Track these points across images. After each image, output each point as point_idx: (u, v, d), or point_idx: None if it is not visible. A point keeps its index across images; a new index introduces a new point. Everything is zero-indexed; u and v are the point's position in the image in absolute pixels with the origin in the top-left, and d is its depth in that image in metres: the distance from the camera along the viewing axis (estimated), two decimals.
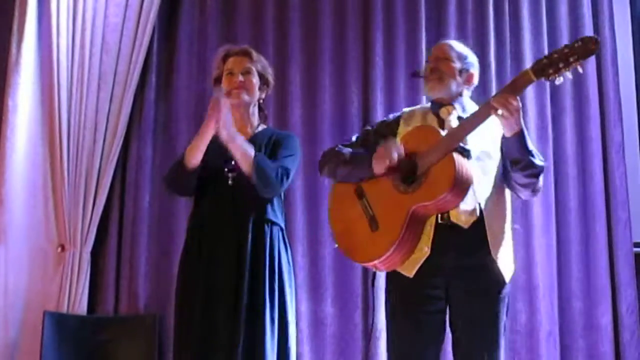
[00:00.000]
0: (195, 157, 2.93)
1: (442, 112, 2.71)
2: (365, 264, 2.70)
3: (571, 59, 2.35)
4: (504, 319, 2.61)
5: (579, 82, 4.22)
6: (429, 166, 2.51)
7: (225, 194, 2.98)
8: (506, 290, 2.62)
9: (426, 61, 2.85)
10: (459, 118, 2.69)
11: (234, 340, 2.84)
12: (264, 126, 3.19)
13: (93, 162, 4.12)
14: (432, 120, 2.72)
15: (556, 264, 4.06)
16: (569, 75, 2.38)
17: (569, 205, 4.13)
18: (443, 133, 2.58)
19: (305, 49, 4.39)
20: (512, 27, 4.33)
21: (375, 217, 2.61)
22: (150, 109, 4.34)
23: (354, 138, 2.90)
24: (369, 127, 2.94)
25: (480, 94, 4.15)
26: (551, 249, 4.06)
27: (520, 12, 4.33)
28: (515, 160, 2.55)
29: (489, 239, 2.56)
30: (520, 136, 2.51)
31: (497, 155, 2.65)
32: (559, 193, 4.14)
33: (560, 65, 2.36)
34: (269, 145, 3.07)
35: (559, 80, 2.40)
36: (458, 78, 2.75)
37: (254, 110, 3.15)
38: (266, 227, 2.98)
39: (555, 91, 4.23)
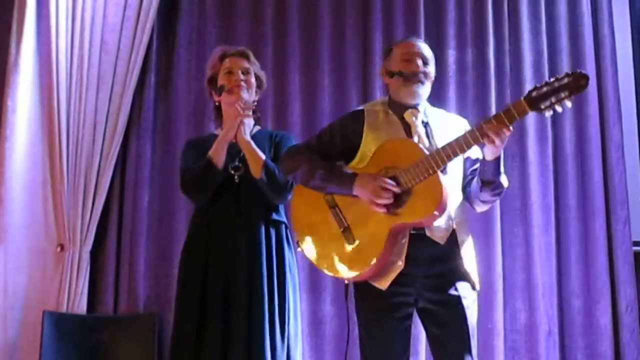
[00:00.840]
0: (221, 160, 3.00)
1: (407, 115, 2.67)
2: (336, 277, 2.67)
3: (562, 95, 2.34)
4: (475, 323, 2.61)
5: None
6: (412, 185, 2.50)
7: (231, 192, 3.01)
8: (475, 296, 2.62)
9: (405, 59, 2.70)
10: (423, 123, 2.67)
11: (234, 341, 2.84)
12: (258, 127, 3.23)
13: (92, 161, 4.13)
14: (397, 124, 2.67)
15: (556, 262, 4.06)
16: (558, 109, 2.36)
17: (568, 204, 4.12)
18: (423, 148, 2.54)
19: (304, 49, 4.39)
20: (511, 25, 4.32)
21: (350, 230, 2.59)
22: (150, 109, 4.34)
23: (316, 138, 2.79)
24: (329, 127, 2.82)
25: (480, 93, 4.21)
26: (550, 248, 4.06)
27: (519, 11, 4.32)
28: (488, 182, 2.56)
29: (460, 250, 2.58)
30: (497, 160, 2.51)
31: (461, 169, 2.65)
32: (558, 192, 4.13)
33: (553, 100, 2.34)
34: (272, 146, 3.11)
35: (548, 114, 2.39)
36: (430, 82, 2.74)
37: (249, 112, 3.16)
38: (271, 227, 3.01)
39: None
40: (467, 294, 2.58)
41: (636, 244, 4.10)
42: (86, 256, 4.06)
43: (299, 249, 2.75)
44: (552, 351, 3.96)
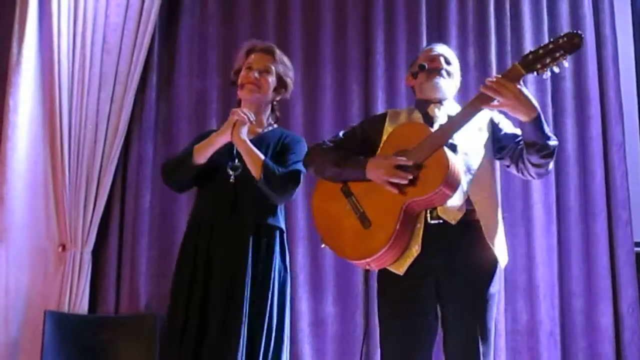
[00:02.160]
0: (204, 156, 2.96)
1: (431, 109, 2.72)
2: (358, 262, 2.68)
3: (557, 54, 2.41)
4: (494, 311, 2.62)
5: (579, 81, 4.22)
6: (421, 161, 2.53)
7: (226, 192, 2.97)
8: (495, 284, 2.62)
9: (429, 59, 2.80)
10: (448, 116, 2.70)
11: (207, 343, 2.81)
12: (274, 126, 3.18)
13: (94, 161, 4.13)
14: (419, 118, 2.73)
15: (557, 263, 4.06)
16: (555, 69, 2.43)
17: (569, 205, 4.13)
18: (430, 128, 2.60)
19: (306, 48, 4.39)
20: (512, 25, 4.33)
21: (365, 214, 2.61)
22: (151, 109, 4.34)
23: (340, 134, 2.88)
24: (354, 125, 2.96)
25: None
26: (552, 249, 4.06)
27: (521, 10, 4.33)
28: (531, 143, 2.55)
29: (482, 228, 2.57)
30: (537, 121, 2.50)
31: (483, 151, 2.67)
32: (559, 192, 4.13)
33: (547, 60, 2.41)
34: (277, 146, 3.06)
35: (546, 75, 2.45)
36: (453, 81, 2.83)
37: (266, 110, 3.14)
38: (264, 231, 2.96)
39: (556, 90, 4.24)
40: (485, 285, 2.58)
41: (638, 244, 4.10)
42: (88, 256, 4.06)
43: (323, 245, 2.76)
44: (553, 352, 3.96)
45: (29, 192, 4.04)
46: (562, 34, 2.43)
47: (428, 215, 2.56)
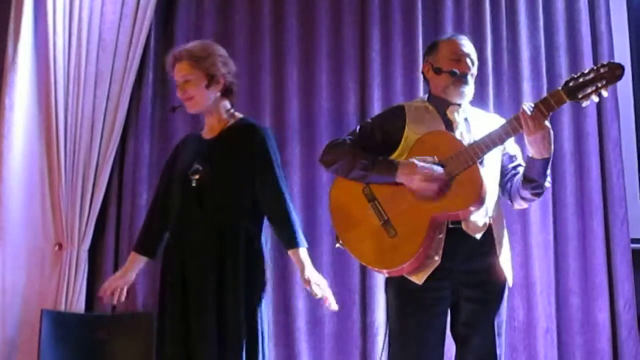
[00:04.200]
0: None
1: (450, 111, 2.71)
2: (377, 270, 2.69)
3: (599, 84, 2.41)
4: (505, 319, 2.67)
5: None
6: (452, 175, 2.53)
7: (190, 195, 2.93)
8: (506, 293, 2.67)
9: (455, 59, 2.74)
10: (465, 120, 2.71)
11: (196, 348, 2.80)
12: (237, 116, 3.09)
13: (90, 160, 4.12)
14: (439, 120, 2.71)
15: (553, 260, 4.07)
16: (595, 99, 2.44)
17: (566, 202, 4.13)
18: (464, 142, 2.59)
19: (302, 46, 4.38)
20: (508, 22, 4.32)
21: (390, 222, 2.59)
22: (148, 107, 4.33)
23: (357, 132, 2.84)
24: (370, 122, 2.88)
25: (478, 90, 4.18)
26: (548, 246, 4.07)
27: (517, 8, 4.32)
28: (530, 179, 2.59)
29: (495, 244, 2.60)
30: (546, 162, 2.54)
31: (498, 166, 2.69)
32: (556, 189, 4.13)
33: (590, 90, 2.42)
34: (240, 148, 2.95)
35: (585, 103, 2.45)
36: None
37: (219, 106, 3.06)
38: (228, 230, 2.88)
39: (552, 87, 4.19)
40: (499, 293, 2.62)
41: (634, 241, 4.11)
42: (84, 255, 4.05)
43: (337, 245, 2.74)
44: (550, 348, 3.97)
45: (25, 191, 4.03)
46: (603, 63, 2.44)
47: (449, 223, 2.57)
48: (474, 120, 2.75)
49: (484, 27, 4.27)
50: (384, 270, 2.62)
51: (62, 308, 3.95)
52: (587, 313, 4.02)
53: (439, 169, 2.54)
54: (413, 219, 2.54)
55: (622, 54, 4.34)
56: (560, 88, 2.46)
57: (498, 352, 2.59)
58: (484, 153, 2.53)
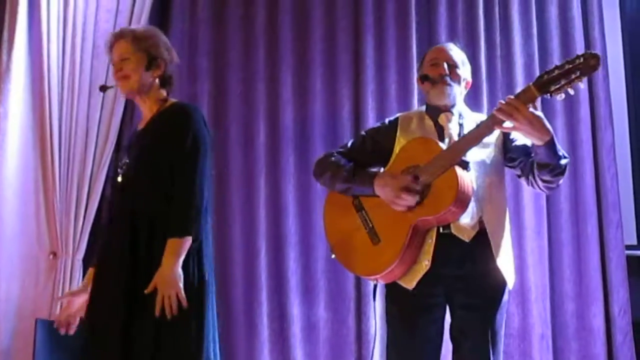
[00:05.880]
0: None
1: (441, 118, 2.71)
2: (366, 277, 2.70)
3: (573, 76, 2.35)
4: (503, 324, 2.63)
5: None
6: (431, 180, 2.52)
7: (118, 192, 2.79)
8: (506, 297, 2.63)
9: (433, 64, 2.76)
10: (459, 125, 2.71)
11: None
12: (165, 106, 2.81)
13: (84, 168, 4.11)
14: (430, 127, 2.72)
15: (548, 266, 4.07)
16: (570, 91, 2.38)
17: (560, 208, 4.14)
18: (443, 145, 2.59)
19: (296, 52, 4.39)
20: (502, 29, 4.33)
21: (375, 230, 2.62)
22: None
23: (349, 144, 2.88)
24: (364, 133, 2.93)
25: (472, 97, 4.20)
26: (543, 251, 4.07)
27: (510, 14, 4.33)
28: (544, 165, 2.54)
29: (492, 246, 2.56)
30: (550, 144, 2.48)
31: (493, 165, 2.67)
32: (550, 195, 4.13)
33: (562, 82, 2.36)
34: (163, 135, 2.70)
35: (560, 97, 2.39)
36: (461, 85, 2.78)
37: (155, 93, 2.82)
38: (139, 217, 2.62)
39: None
40: (495, 299, 2.59)
41: (628, 247, 4.12)
42: (79, 264, 4.03)
43: (332, 256, 2.76)
44: (545, 354, 3.97)
45: (19, 199, 4.01)
46: (578, 55, 2.38)
47: (440, 228, 2.55)
48: (471, 126, 2.72)
49: (478, 34, 4.28)
50: (373, 277, 2.63)
51: None
52: (582, 319, 4.02)
53: (408, 178, 2.55)
54: (395, 225, 2.55)
55: (615, 61, 4.36)
56: (532, 83, 2.43)
57: (492, 353, 2.55)
58: (462, 154, 2.52)
